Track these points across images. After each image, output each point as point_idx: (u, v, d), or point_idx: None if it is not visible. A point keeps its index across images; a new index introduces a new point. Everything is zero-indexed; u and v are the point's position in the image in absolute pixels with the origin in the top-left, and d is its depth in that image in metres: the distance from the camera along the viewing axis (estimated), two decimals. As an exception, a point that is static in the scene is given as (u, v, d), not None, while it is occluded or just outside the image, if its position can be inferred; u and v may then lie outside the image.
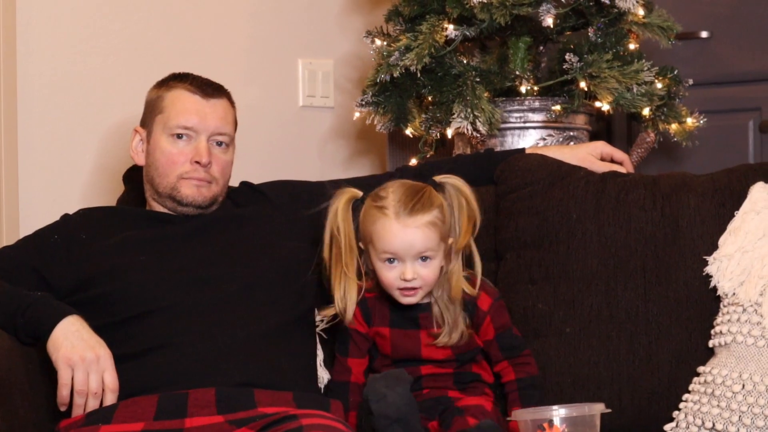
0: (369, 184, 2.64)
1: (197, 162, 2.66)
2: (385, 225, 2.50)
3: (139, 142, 2.75)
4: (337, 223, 2.57)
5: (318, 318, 2.75)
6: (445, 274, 2.57)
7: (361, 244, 2.58)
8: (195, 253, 2.64)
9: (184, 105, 2.69)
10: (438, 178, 2.59)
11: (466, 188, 2.58)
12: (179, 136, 2.68)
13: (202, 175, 2.67)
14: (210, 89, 2.73)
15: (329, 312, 2.63)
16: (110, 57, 3.37)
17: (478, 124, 3.08)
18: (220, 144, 2.71)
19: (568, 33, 3.31)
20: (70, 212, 2.76)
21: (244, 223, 2.73)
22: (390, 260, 2.52)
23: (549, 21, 3.09)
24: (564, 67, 3.16)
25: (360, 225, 2.57)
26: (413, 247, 2.50)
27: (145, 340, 2.51)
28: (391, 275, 2.53)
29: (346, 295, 2.59)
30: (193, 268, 2.61)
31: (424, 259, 2.52)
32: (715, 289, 2.61)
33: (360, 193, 2.60)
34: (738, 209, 2.65)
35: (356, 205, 2.59)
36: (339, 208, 2.58)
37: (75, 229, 2.68)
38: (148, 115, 2.75)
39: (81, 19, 3.32)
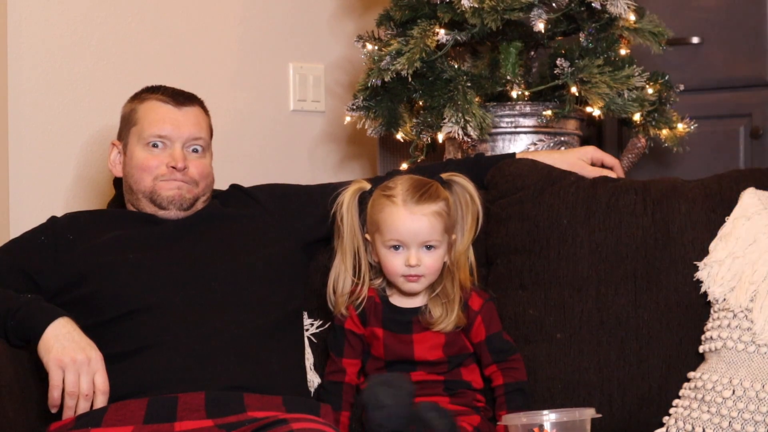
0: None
1: (173, 167, 2.68)
2: (392, 212, 2.57)
3: (117, 155, 2.79)
4: (341, 213, 2.65)
5: (308, 322, 2.76)
6: (447, 269, 2.62)
7: (367, 236, 2.64)
8: (183, 251, 2.65)
9: (157, 115, 2.72)
10: (445, 176, 2.68)
11: (471, 186, 2.67)
12: (154, 146, 2.70)
13: (179, 177, 2.69)
14: (182, 98, 2.76)
15: None
16: (101, 61, 3.37)
17: (469, 128, 3.07)
18: (195, 150, 2.73)
19: (560, 38, 3.31)
20: (59, 215, 2.76)
21: (232, 222, 2.74)
22: (396, 247, 2.58)
23: (540, 26, 3.09)
24: (555, 72, 3.15)
25: (367, 215, 2.64)
26: (419, 235, 2.56)
27: (134, 339, 2.52)
28: (396, 262, 2.58)
29: (339, 283, 2.66)
30: (181, 266, 2.61)
31: (429, 248, 2.58)
32: (705, 294, 2.61)
33: (368, 186, 2.68)
34: (729, 215, 2.65)
35: (364, 198, 2.66)
36: (345, 198, 2.67)
37: (62, 230, 2.68)
38: (123, 128, 2.78)
39: (71, 23, 3.31)
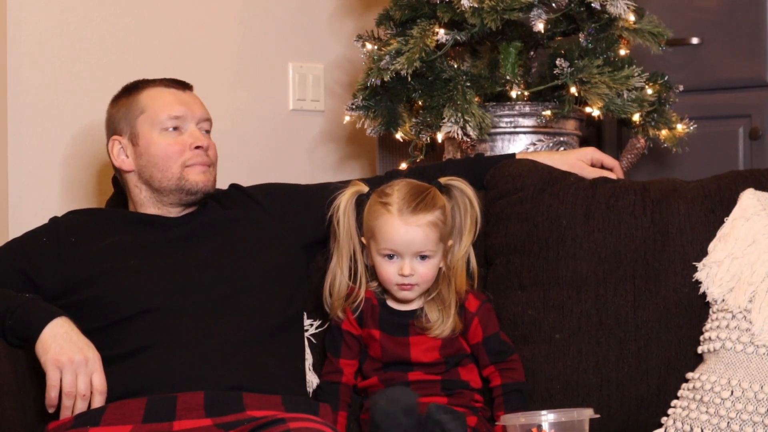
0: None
1: (198, 147, 2.68)
2: (387, 221, 2.56)
3: (120, 149, 2.73)
4: (338, 216, 2.65)
5: (307, 322, 2.76)
6: (443, 274, 2.61)
7: (363, 239, 2.63)
8: (184, 256, 2.64)
9: (166, 98, 2.72)
10: (443, 180, 2.66)
11: (470, 191, 2.67)
12: (170, 129, 2.69)
13: (204, 159, 2.69)
14: (182, 83, 2.78)
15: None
16: (101, 61, 3.37)
17: (469, 128, 3.08)
18: (207, 132, 2.74)
19: (559, 38, 3.31)
20: (59, 215, 2.76)
21: (232, 227, 2.73)
22: (390, 256, 2.58)
23: (540, 26, 3.09)
24: (554, 72, 3.16)
25: (364, 220, 2.63)
26: (413, 245, 2.55)
27: (133, 342, 2.51)
28: (390, 270, 2.58)
29: (334, 286, 2.65)
30: (182, 272, 2.61)
31: (423, 257, 2.57)
32: (704, 295, 2.61)
33: (366, 188, 2.67)
34: (728, 216, 2.65)
35: (361, 200, 2.65)
36: (342, 201, 2.65)
37: (64, 232, 2.67)
38: (123, 121, 2.72)
39: (71, 23, 3.31)
